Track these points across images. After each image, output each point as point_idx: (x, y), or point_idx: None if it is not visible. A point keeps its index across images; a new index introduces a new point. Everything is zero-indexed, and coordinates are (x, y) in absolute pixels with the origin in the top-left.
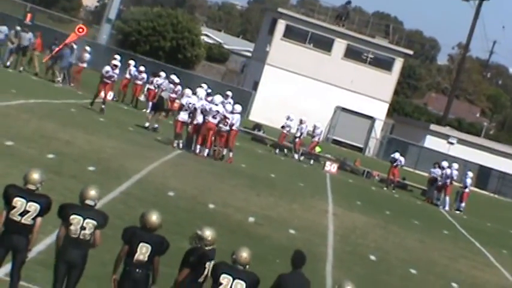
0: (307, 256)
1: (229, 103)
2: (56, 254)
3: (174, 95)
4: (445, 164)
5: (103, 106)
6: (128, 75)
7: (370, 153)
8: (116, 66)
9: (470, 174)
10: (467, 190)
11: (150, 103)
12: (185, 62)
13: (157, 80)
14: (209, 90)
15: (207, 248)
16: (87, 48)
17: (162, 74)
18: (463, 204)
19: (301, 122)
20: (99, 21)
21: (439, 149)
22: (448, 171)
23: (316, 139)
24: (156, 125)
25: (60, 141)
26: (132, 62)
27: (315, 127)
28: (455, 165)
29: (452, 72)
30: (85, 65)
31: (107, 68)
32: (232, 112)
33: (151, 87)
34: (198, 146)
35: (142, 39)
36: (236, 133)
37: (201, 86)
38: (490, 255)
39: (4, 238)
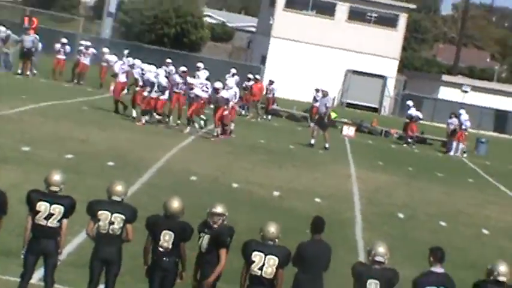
0: (325, 222)
1: (235, 80)
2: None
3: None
4: (462, 111)
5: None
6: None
7: (386, 112)
8: (184, 72)
9: (462, 111)
10: (464, 130)
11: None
12: (191, 45)
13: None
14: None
15: (209, 220)
16: (63, 40)
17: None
18: (460, 146)
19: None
20: (101, 15)
21: (454, 98)
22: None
23: (270, 96)
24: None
25: (76, 141)
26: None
27: (270, 82)
28: (462, 111)
29: (458, 21)
30: (61, 56)
31: (176, 78)
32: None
33: None
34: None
35: (145, 28)
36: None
37: (197, 68)
38: None
39: (33, 244)
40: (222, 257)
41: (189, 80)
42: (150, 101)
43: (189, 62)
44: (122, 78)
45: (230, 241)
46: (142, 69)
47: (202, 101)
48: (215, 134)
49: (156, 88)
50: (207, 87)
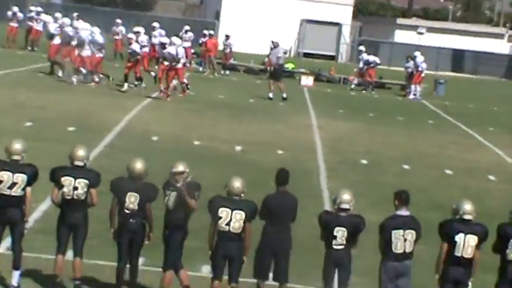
0: (289, 173)
1: (189, 37)
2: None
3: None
4: (417, 53)
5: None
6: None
7: (343, 60)
8: (137, 33)
9: (417, 54)
10: (420, 72)
11: None
12: (143, 4)
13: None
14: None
15: (171, 180)
16: (14, 8)
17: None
18: (417, 88)
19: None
20: None
21: (410, 41)
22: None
23: (228, 51)
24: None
25: (35, 108)
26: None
27: (226, 37)
28: (417, 54)
29: None
30: (14, 24)
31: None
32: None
33: None
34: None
35: None
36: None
37: (153, 28)
38: (478, 135)
39: None
40: (193, 202)
41: (129, 35)
42: (82, 59)
43: (142, 22)
44: (57, 40)
45: (198, 195)
46: (76, 28)
47: (139, 56)
48: (168, 94)
49: (90, 45)
50: (147, 42)
